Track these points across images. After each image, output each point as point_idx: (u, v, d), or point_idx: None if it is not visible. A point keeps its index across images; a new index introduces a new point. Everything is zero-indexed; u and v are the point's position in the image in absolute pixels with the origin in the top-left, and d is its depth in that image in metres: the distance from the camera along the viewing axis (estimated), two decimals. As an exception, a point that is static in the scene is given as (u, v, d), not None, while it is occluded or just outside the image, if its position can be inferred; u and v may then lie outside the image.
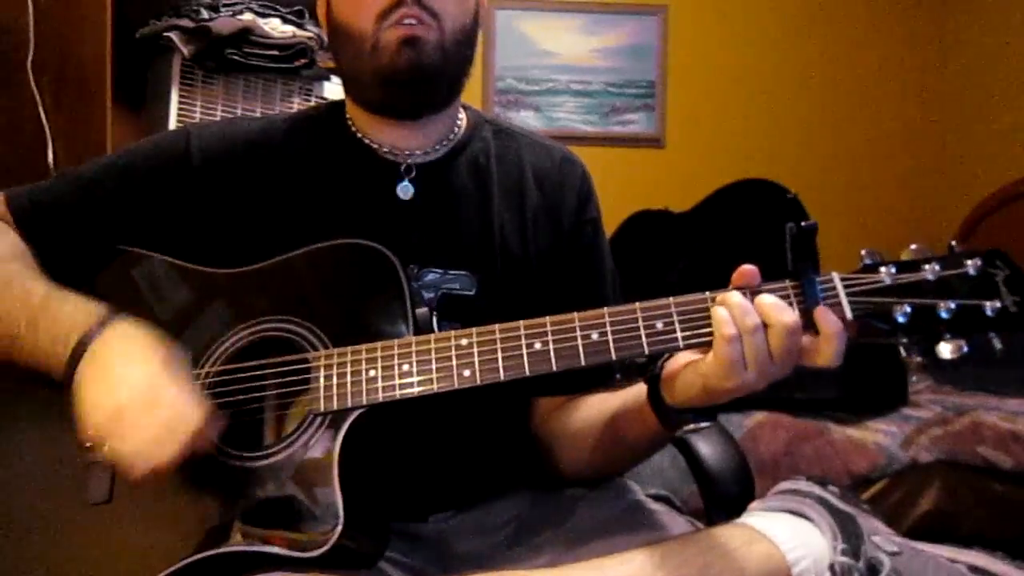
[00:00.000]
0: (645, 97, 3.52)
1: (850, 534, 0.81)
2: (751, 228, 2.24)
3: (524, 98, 3.47)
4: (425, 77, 0.94)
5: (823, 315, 0.74)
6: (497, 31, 3.45)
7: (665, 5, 3.52)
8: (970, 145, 3.38)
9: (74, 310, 0.85)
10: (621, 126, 3.52)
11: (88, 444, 0.81)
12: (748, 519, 0.85)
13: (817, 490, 0.87)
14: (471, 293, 0.97)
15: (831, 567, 0.78)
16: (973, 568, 0.88)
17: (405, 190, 0.99)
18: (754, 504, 0.90)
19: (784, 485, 0.93)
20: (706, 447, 1.08)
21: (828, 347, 0.75)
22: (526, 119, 3.44)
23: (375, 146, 1.00)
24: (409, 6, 0.91)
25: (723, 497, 1.06)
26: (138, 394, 0.78)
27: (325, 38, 1.91)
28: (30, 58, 1.65)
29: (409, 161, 1.00)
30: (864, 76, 3.57)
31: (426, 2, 0.92)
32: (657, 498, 1.01)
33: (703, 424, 0.83)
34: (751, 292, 0.77)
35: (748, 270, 0.78)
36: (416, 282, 0.95)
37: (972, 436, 1.81)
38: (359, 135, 1.01)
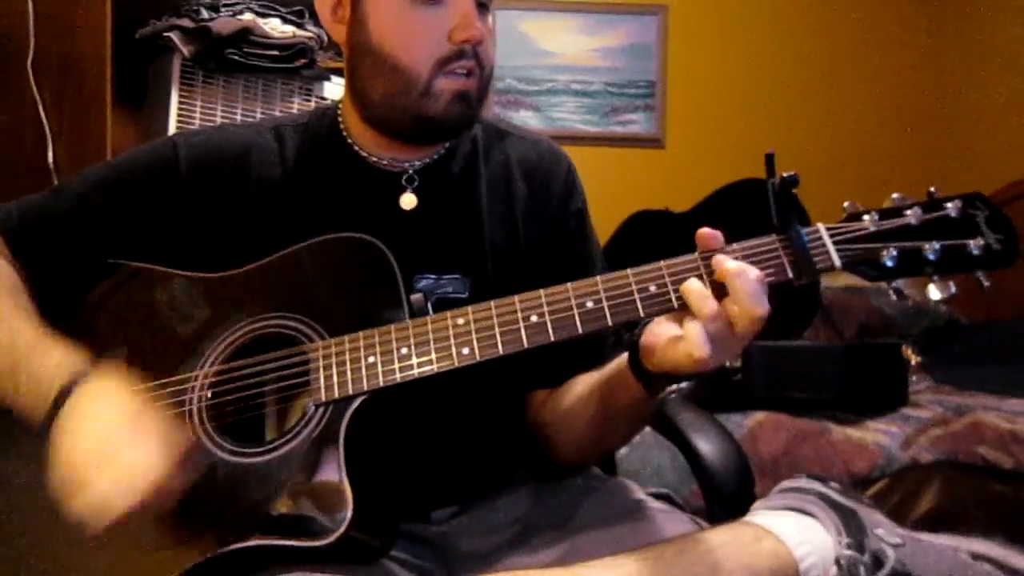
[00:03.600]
0: (645, 97, 3.52)
1: (853, 528, 0.81)
2: (751, 228, 2.24)
3: (524, 98, 3.47)
4: (464, 128, 0.97)
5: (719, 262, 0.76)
6: (497, 31, 3.44)
7: (665, 5, 3.52)
8: (970, 145, 3.38)
9: (55, 366, 0.83)
10: (621, 126, 3.52)
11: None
12: (754, 517, 0.85)
13: (818, 486, 0.87)
14: (464, 296, 0.97)
15: (837, 561, 0.78)
16: (974, 555, 0.88)
17: (408, 201, 0.99)
18: (757, 504, 0.91)
19: (785, 484, 0.93)
20: (706, 445, 1.09)
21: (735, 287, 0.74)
22: (526, 119, 3.44)
23: (374, 160, 1.00)
24: (469, 58, 0.92)
25: (723, 494, 1.06)
26: (94, 450, 0.77)
27: (325, 36, 1.94)
28: (30, 58, 1.65)
29: (410, 171, 1.00)
30: (864, 77, 3.57)
31: (480, 53, 0.93)
32: (659, 496, 1.01)
33: (683, 384, 0.82)
34: (741, 254, 0.78)
35: (706, 233, 0.79)
36: (411, 281, 0.95)
37: (972, 436, 1.81)
38: (355, 147, 1.00)
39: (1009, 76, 3.21)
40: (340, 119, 1.02)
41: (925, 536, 0.89)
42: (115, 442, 0.78)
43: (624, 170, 3.39)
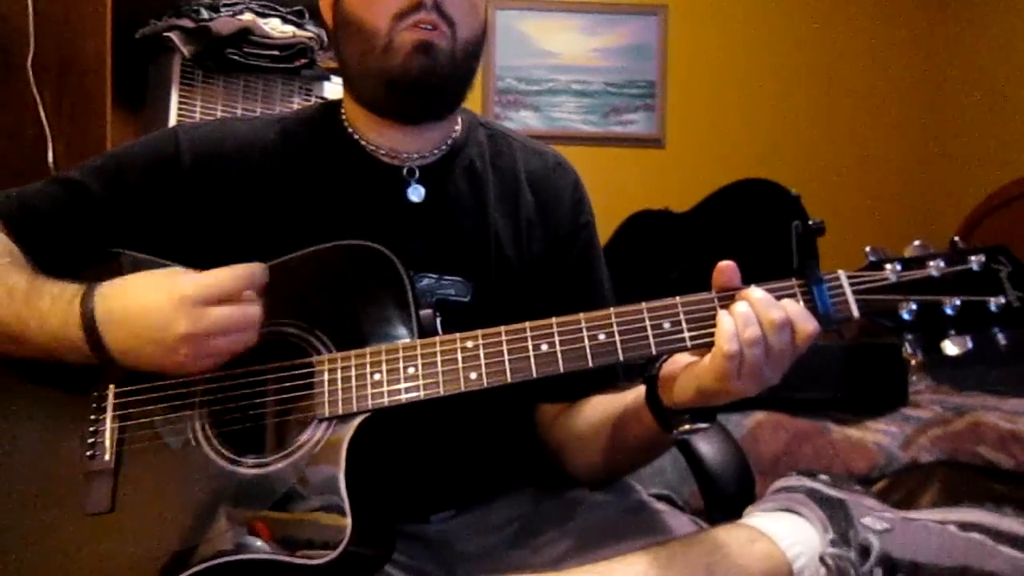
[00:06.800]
0: (645, 97, 3.52)
1: (839, 522, 0.81)
2: (752, 228, 2.24)
3: (524, 98, 3.47)
4: (433, 86, 0.94)
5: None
6: (497, 31, 3.44)
7: (665, 5, 3.52)
8: (970, 145, 3.38)
9: (54, 302, 0.84)
10: (621, 126, 3.51)
11: (96, 452, 0.84)
12: (748, 519, 0.85)
13: (807, 482, 0.88)
14: (466, 300, 0.96)
15: (821, 559, 0.79)
16: (963, 525, 0.88)
17: (416, 192, 0.98)
18: (751, 507, 0.91)
19: (777, 484, 0.94)
20: (706, 447, 1.09)
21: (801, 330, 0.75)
22: (526, 119, 3.43)
23: (372, 148, 1.00)
24: (428, 10, 0.91)
25: (723, 497, 1.06)
26: (190, 293, 0.80)
27: (325, 36, 1.95)
28: (30, 58, 1.64)
29: (409, 165, 0.99)
30: (864, 76, 3.57)
31: (444, 8, 0.91)
32: (659, 498, 1.01)
33: (700, 426, 0.83)
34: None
35: (727, 266, 0.78)
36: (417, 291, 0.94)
37: (972, 436, 1.81)
38: (356, 136, 1.00)
39: (1012, 75, 3.21)
40: (343, 109, 1.02)
41: (914, 514, 0.89)
42: (194, 279, 0.81)
43: (624, 170, 3.39)
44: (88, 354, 0.83)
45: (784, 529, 0.81)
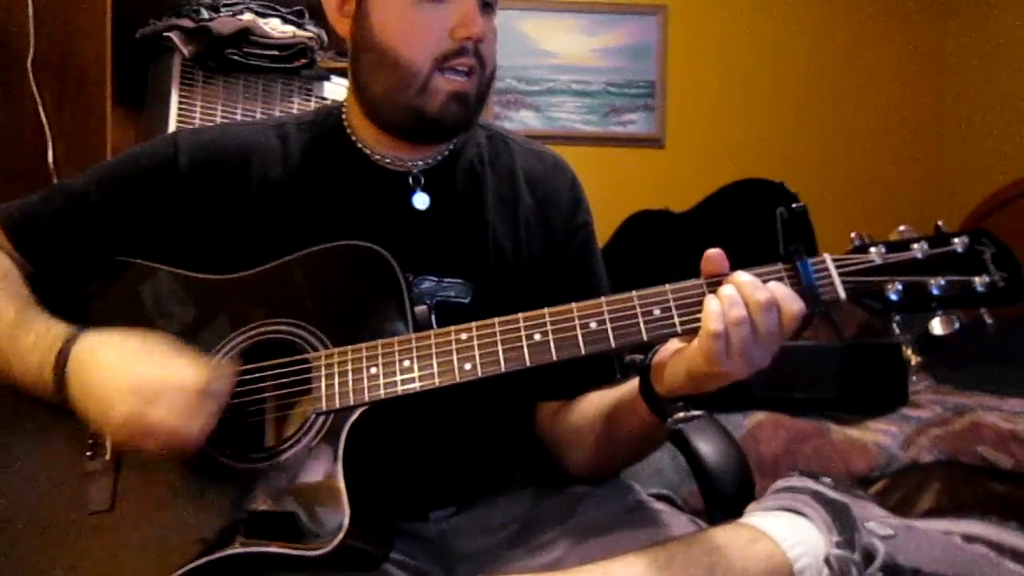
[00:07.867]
0: (645, 97, 3.52)
1: (844, 525, 0.82)
2: (751, 228, 2.24)
3: (524, 98, 3.47)
4: (462, 128, 0.98)
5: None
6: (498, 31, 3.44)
7: (665, 5, 3.52)
8: (970, 145, 3.38)
9: (37, 340, 0.86)
10: (621, 126, 3.52)
11: (96, 452, 0.84)
12: (749, 519, 0.85)
13: (810, 484, 0.88)
14: (465, 301, 0.97)
15: (827, 560, 0.79)
16: (967, 537, 0.88)
17: (421, 200, 0.99)
18: (752, 505, 0.91)
19: (779, 484, 0.93)
20: (706, 447, 1.09)
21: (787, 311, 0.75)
22: (526, 119, 3.44)
23: (377, 157, 1.00)
24: (469, 55, 0.92)
25: (723, 497, 1.06)
26: (145, 386, 0.79)
27: (325, 36, 1.94)
28: (30, 58, 1.65)
29: (414, 171, 1.00)
30: (864, 77, 3.57)
31: (480, 51, 0.93)
32: (659, 497, 1.01)
33: (694, 413, 0.83)
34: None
35: (715, 254, 0.79)
36: (413, 290, 0.95)
37: (972, 436, 1.81)
38: (359, 144, 1.00)
39: (1012, 76, 3.21)
40: (345, 117, 1.02)
41: (919, 523, 0.89)
42: (158, 370, 0.81)
43: (624, 170, 3.39)
44: (56, 400, 0.84)
45: (785, 529, 0.81)
